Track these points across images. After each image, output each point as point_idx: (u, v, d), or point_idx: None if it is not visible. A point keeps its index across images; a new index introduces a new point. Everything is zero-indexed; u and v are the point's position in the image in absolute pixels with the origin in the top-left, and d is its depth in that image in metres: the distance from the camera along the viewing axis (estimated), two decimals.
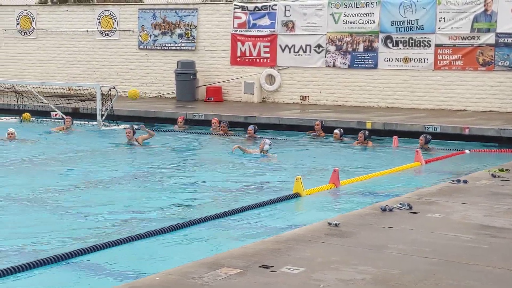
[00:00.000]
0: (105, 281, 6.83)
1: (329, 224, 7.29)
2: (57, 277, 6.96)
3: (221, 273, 5.61)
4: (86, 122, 19.34)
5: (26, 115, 20.09)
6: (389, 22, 22.09)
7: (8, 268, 6.74)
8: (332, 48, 22.91)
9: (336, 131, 17.32)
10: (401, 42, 21.98)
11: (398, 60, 22.05)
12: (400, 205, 8.23)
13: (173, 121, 19.46)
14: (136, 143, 15.86)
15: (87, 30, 26.39)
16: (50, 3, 31.40)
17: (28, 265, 6.90)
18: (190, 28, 24.85)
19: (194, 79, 24.13)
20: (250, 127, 17.42)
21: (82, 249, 7.48)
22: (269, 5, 23.68)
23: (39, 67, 27.18)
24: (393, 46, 22.08)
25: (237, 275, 5.57)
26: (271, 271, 5.69)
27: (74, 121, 18.76)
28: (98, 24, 26.22)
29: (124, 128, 16.59)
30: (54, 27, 26.94)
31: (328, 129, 17.80)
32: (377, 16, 22.19)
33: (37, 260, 7.04)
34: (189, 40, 24.88)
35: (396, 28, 22.01)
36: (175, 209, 10.06)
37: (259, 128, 17.96)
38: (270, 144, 14.79)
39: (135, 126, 16.52)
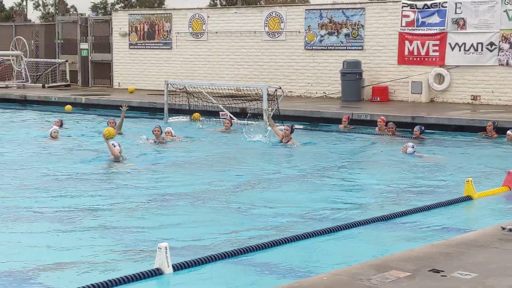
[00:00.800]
0: (271, 279, 6.87)
1: (503, 229, 6.96)
2: (223, 273, 7.08)
3: (389, 275, 5.49)
4: (253, 122, 19.63)
5: (196, 115, 20.72)
6: None
7: (180, 263, 6.94)
8: (505, 46, 21.98)
9: (509, 132, 16.64)
10: None
11: None
12: None
13: (338, 121, 19.39)
14: (163, 140, 16.25)
15: (255, 32, 26.86)
16: (219, 6, 32.24)
17: (196, 261, 7.07)
18: (357, 28, 24.68)
19: (360, 79, 23.93)
20: (416, 128, 17.07)
21: (249, 247, 7.57)
22: (439, 3, 23.06)
23: (209, 68, 27.97)
24: None
25: (406, 279, 5.43)
26: (442, 276, 5.50)
27: (240, 121, 19.10)
28: (266, 26, 26.61)
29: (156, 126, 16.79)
30: (223, 29, 27.62)
31: (500, 130, 17.10)
32: None
33: (206, 256, 7.20)
34: (355, 39, 24.72)
35: None
36: (339, 209, 9.98)
37: (426, 129, 17.53)
38: (413, 147, 14.55)
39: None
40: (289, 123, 17.28)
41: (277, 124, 19.17)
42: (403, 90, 23.78)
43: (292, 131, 16.41)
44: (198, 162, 14.02)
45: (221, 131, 18.47)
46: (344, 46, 24.98)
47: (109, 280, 6.44)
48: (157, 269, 6.72)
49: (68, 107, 23.57)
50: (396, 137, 17.43)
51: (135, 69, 29.93)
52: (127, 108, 17.54)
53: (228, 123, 18.61)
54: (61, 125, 18.10)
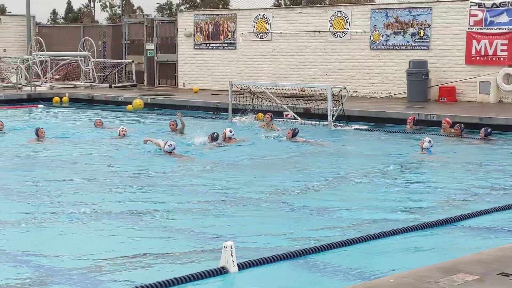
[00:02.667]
0: (336, 281, 6.83)
1: None
2: (288, 274, 7.07)
3: (457, 279, 5.40)
4: (317, 122, 19.60)
5: (260, 115, 20.74)
6: None
7: (245, 262, 6.97)
8: None
9: None
10: None
11: None
12: None
13: (403, 121, 19.17)
14: (179, 134, 16.85)
15: (319, 31, 26.77)
16: (284, 6, 32.24)
17: (261, 261, 7.07)
18: (424, 27, 24.37)
19: (426, 79, 23.63)
20: (482, 130, 16.83)
21: (313, 247, 7.54)
22: (508, 1, 22.60)
23: (273, 68, 27.99)
24: None
25: (475, 282, 5.33)
26: (511, 279, 5.39)
27: (305, 121, 19.08)
28: (330, 25, 26.50)
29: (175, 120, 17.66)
30: (288, 29, 27.62)
31: None
32: None
33: (271, 256, 7.20)
34: (422, 39, 24.41)
35: None
36: (404, 211, 9.87)
37: (494, 130, 17.20)
38: (429, 142, 14.47)
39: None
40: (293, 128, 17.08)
41: (341, 124, 19.11)
42: (471, 90, 23.39)
43: (294, 135, 16.43)
44: (261, 163, 14.04)
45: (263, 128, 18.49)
46: (410, 46, 24.70)
47: (175, 278, 6.49)
48: (222, 267, 6.75)
49: (130, 106, 23.84)
50: (463, 138, 17.14)
51: (200, 69, 30.17)
52: (181, 114, 18.02)
53: (268, 118, 18.66)
54: (101, 124, 18.46)
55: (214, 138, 15.59)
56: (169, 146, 13.97)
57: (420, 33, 24.46)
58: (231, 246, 6.75)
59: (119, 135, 16.72)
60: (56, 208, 9.76)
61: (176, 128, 17.52)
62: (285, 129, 17.09)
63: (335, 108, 19.29)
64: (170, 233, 8.57)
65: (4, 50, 33.91)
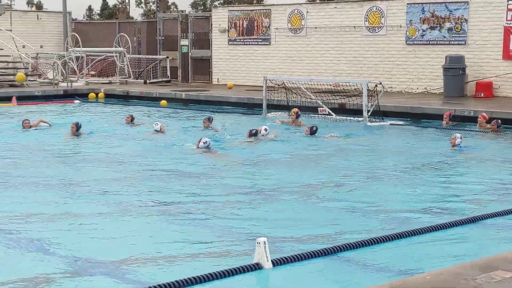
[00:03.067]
0: (372, 277, 6.78)
1: None
2: (323, 270, 7.03)
3: (495, 276, 5.31)
4: (352, 118, 19.49)
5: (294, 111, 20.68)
6: None
7: (279, 259, 6.94)
8: None
9: None
10: None
11: None
12: None
13: (440, 117, 18.97)
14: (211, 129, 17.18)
15: (354, 27, 26.62)
16: (319, 1, 32.13)
17: (296, 257, 7.04)
18: (460, 22, 24.09)
19: (463, 74, 23.37)
20: (493, 122, 16.78)
21: (349, 244, 7.49)
22: None
23: (307, 64, 27.91)
24: None
25: None
26: None
27: (340, 117, 19.00)
28: (366, 20, 26.33)
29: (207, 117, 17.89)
30: (322, 24, 27.50)
31: None
32: None
33: (305, 252, 7.17)
34: (459, 34, 24.14)
35: None
36: (441, 207, 9.75)
37: None
38: (461, 138, 14.58)
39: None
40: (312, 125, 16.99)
41: (376, 120, 18.99)
42: (508, 86, 23.09)
43: (313, 133, 16.34)
44: (294, 159, 13.99)
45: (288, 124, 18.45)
46: (446, 41, 24.44)
47: (210, 274, 6.49)
48: (257, 263, 6.73)
49: (164, 102, 23.99)
50: (499, 134, 16.92)
51: (234, 65, 30.19)
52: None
53: (294, 115, 18.60)
54: (132, 120, 18.49)
55: (252, 134, 15.64)
56: (204, 143, 13.98)
57: (456, 28, 24.18)
58: (265, 242, 6.73)
59: (158, 130, 16.79)
60: (93, 203, 9.83)
61: (210, 126, 17.55)
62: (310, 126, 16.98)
63: (370, 104, 19.17)
64: (204, 228, 8.58)
65: (41, 46, 34.27)
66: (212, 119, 17.93)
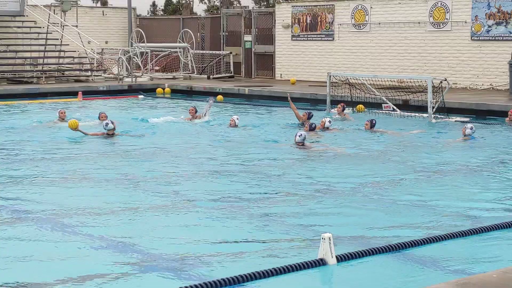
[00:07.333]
0: (437, 275, 6.75)
1: None
2: (388, 266, 7.04)
3: None
4: (417, 115, 19.33)
5: (360, 107, 20.61)
6: None
7: (344, 254, 6.98)
8: None
9: None
10: None
11: None
12: None
13: (505, 114, 18.65)
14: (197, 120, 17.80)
15: (418, 22, 26.36)
16: None
17: (361, 253, 7.07)
18: None
19: None
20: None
21: (413, 241, 7.48)
22: None
23: (371, 59, 27.75)
24: None
25: None
26: None
27: (404, 113, 18.90)
28: (430, 16, 26.04)
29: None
30: (386, 20, 27.31)
31: None
32: None
33: (370, 248, 7.19)
34: None
35: None
36: (504, 204, 9.64)
37: None
38: (471, 128, 15.01)
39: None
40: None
41: (442, 116, 18.79)
42: None
43: (372, 126, 16.47)
44: (357, 154, 13.96)
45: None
46: None
47: (274, 269, 6.56)
48: (321, 259, 6.78)
49: (220, 97, 24.09)
50: None
51: (297, 61, 30.21)
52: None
53: (340, 108, 18.83)
54: (195, 112, 18.56)
55: (311, 128, 15.75)
56: (299, 136, 14.05)
57: None
58: (330, 238, 6.77)
59: (230, 125, 17.02)
60: (157, 198, 10.00)
61: (196, 115, 18.10)
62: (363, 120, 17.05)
63: (435, 100, 18.97)
64: (267, 223, 8.64)
65: (106, 42, 34.88)
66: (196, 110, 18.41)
